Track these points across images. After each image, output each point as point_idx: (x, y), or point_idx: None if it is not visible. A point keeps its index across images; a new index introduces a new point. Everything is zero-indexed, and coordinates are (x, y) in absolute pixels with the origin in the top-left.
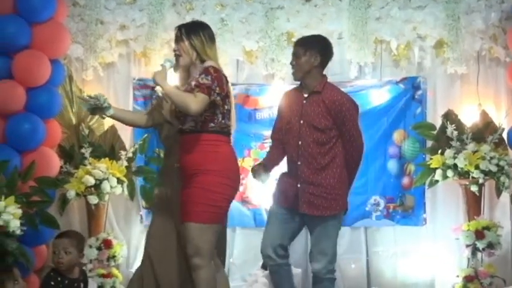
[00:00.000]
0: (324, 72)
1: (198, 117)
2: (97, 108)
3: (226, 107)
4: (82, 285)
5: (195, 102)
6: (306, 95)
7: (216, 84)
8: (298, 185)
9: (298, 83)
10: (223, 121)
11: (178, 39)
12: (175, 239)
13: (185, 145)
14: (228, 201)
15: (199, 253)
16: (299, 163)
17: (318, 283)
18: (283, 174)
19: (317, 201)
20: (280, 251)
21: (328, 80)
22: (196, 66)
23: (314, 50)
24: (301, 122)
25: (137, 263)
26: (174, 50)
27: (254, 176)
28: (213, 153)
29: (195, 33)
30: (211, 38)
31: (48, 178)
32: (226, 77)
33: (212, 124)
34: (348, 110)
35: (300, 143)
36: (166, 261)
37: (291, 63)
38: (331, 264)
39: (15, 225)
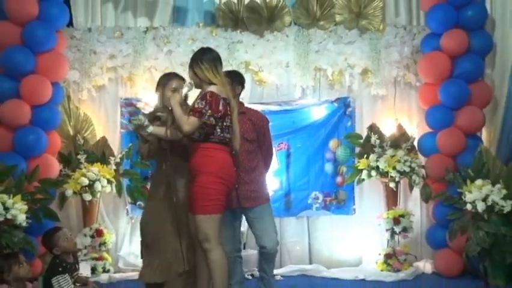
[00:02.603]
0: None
1: (201, 130)
2: (140, 127)
3: (225, 123)
4: (76, 266)
5: (186, 124)
6: None
7: (207, 108)
8: (237, 186)
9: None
10: (221, 134)
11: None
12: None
13: (192, 151)
14: (222, 195)
15: (207, 238)
16: (235, 169)
17: (271, 258)
18: None
19: (253, 195)
20: (237, 245)
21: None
22: (204, 89)
23: (236, 82)
24: None
25: (124, 248)
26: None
27: None
28: (210, 157)
29: (196, 62)
30: (211, 60)
31: (50, 179)
32: (225, 100)
33: (212, 136)
34: (266, 125)
35: (233, 153)
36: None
37: None
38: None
39: (22, 218)
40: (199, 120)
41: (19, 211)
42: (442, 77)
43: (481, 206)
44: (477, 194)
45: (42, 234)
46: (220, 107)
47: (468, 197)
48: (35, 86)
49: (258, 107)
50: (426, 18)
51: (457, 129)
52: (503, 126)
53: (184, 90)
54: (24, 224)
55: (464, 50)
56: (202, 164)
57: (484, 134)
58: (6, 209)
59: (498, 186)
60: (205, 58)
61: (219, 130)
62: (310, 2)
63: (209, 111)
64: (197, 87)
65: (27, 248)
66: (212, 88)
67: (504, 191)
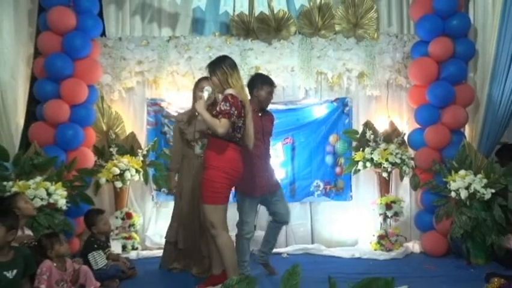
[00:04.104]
0: (274, 95)
1: None
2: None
3: (238, 124)
4: (108, 244)
5: (220, 127)
6: (260, 114)
7: (233, 109)
8: (267, 175)
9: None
10: (233, 133)
11: (209, 75)
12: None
13: (207, 145)
14: (226, 188)
15: (212, 225)
16: (265, 160)
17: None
18: (255, 170)
19: (275, 181)
20: (253, 227)
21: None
22: (224, 91)
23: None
24: (264, 132)
25: (150, 229)
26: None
27: None
28: (220, 154)
29: (219, 68)
30: (232, 67)
31: (86, 169)
32: (241, 101)
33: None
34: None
35: (265, 146)
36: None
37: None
38: None
39: (62, 203)
40: (229, 121)
41: (60, 196)
42: (430, 79)
43: (464, 194)
44: (460, 183)
45: (86, 212)
46: (240, 108)
47: (452, 186)
48: (73, 88)
49: None
50: (416, 27)
51: (443, 126)
52: (484, 123)
53: (205, 95)
54: (64, 207)
55: (449, 55)
56: (212, 159)
57: (467, 130)
58: (49, 194)
59: (479, 176)
60: (227, 64)
61: (230, 129)
62: (313, 14)
63: (236, 112)
64: (217, 91)
65: (66, 229)
66: (230, 91)
67: (485, 181)
